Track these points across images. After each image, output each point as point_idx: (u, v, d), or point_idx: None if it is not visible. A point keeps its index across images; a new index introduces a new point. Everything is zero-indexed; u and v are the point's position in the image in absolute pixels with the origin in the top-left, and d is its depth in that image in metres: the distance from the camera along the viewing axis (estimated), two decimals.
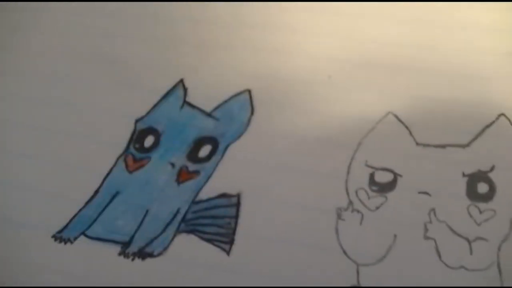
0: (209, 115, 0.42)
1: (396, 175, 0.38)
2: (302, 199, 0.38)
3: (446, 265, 0.35)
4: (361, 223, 0.37)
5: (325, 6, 0.44)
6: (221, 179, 0.40)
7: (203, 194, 0.40)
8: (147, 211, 0.39)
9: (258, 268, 0.37)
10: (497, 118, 0.39)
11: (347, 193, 0.38)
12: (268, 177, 0.39)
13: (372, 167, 0.38)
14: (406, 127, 0.39)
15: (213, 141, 0.41)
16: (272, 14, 0.45)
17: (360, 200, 0.38)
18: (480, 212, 0.36)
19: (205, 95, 0.43)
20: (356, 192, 0.38)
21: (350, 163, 0.39)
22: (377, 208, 0.37)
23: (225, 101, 0.43)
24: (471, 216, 0.36)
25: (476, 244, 0.36)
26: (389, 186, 0.38)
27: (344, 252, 0.37)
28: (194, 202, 0.39)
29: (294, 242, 0.37)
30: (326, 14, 0.44)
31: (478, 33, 0.42)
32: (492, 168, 0.37)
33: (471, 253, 0.35)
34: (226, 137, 0.41)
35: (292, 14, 0.45)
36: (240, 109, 0.42)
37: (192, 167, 0.40)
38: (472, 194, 0.37)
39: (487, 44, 0.42)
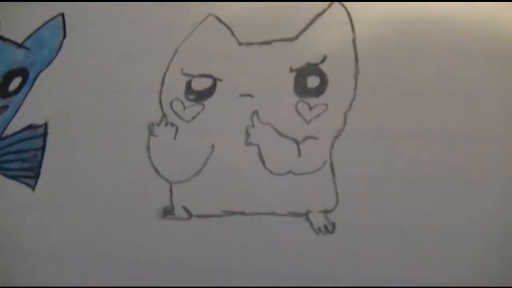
0: (20, 45, 0.37)
1: (215, 80, 0.33)
2: (113, 119, 0.33)
3: (271, 171, 0.30)
4: (175, 137, 0.31)
5: None
6: (29, 110, 0.35)
7: (10, 129, 0.35)
8: None
9: (67, 200, 0.32)
10: (329, 5, 0.34)
11: (161, 106, 0.33)
12: (76, 101, 0.34)
13: (188, 75, 0.33)
14: (228, 28, 0.34)
15: (23, 72, 0.36)
16: None
17: (174, 111, 0.33)
18: (310, 108, 0.31)
19: (18, 25, 0.38)
20: (171, 104, 0.33)
21: (165, 73, 0.33)
22: (193, 118, 0.32)
23: (37, 29, 0.38)
24: (299, 113, 0.31)
25: (305, 144, 0.31)
26: (207, 93, 0.33)
27: (156, 171, 0.31)
28: (0, 138, 0.33)
29: (104, 168, 0.32)
30: None
31: None
32: (323, 59, 0.32)
33: (299, 155, 0.30)
34: (36, 65, 0.37)
35: None
36: (51, 34, 0.38)
37: (1, 102, 0.34)
38: (300, 89, 0.32)
39: None
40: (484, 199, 0.28)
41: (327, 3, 0.35)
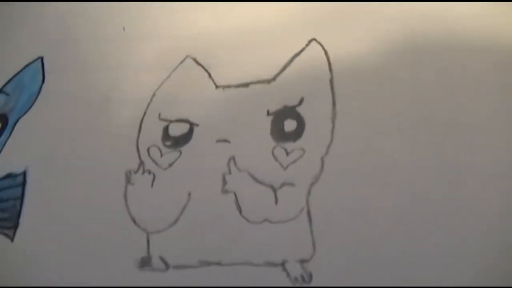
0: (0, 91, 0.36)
1: (192, 125, 0.33)
2: (91, 166, 0.33)
3: (247, 220, 0.30)
4: (152, 185, 0.31)
5: None
6: (8, 158, 0.35)
7: None
8: None
9: (43, 250, 0.33)
10: (307, 44, 0.33)
11: (138, 153, 0.33)
12: (55, 149, 0.34)
13: (166, 120, 0.33)
14: (206, 70, 0.34)
15: (3, 119, 0.36)
16: None
17: (152, 158, 0.33)
18: (287, 153, 0.31)
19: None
20: (148, 150, 0.32)
21: (142, 119, 0.33)
22: (170, 165, 0.32)
23: (17, 73, 0.37)
24: (276, 159, 0.31)
25: (282, 191, 0.31)
26: (184, 138, 0.33)
27: (133, 220, 0.31)
28: None
29: (82, 218, 0.32)
30: None
31: None
32: (300, 102, 0.32)
33: (276, 202, 0.30)
34: (15, 111, 0.36)
35: None
36: (31, 79, 0.37)
37: None
38: (277, 133, 0.32)
39: None
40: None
41: (305, 42, 0.33)
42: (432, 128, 0.30)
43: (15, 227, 0.33)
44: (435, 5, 0.32)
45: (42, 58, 0.38)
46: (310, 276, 0.29)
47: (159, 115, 0.33)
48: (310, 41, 0.34)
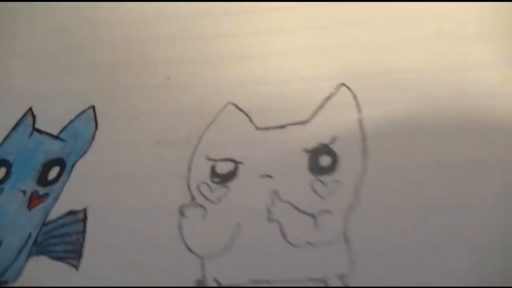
0: (56, 137, 0.41)
1: (237, 163, 0.37)
2: (146, 203, 0.37)
3: (291, 244, 0.34)
4: (204, 217, 0.35)
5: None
6: (69, 197, 0.39)
7: (53, 215, 0.39)
8: (0, 242, 0.37)
9: (107, 277, 0.36)
10: (336, 89, 0.38)
11: (189, 190, 0.37)
12: (112, 188, 0.38)
13: (213, 160, 0.37)
14: (246, 115, 0.38)
15: (61, 162, 0.40)
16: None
17: (202, 194, 0.36)
18: (324, 185, 0.35)
19: (53, 119, 0.41)
20: (198, 187, 0.37)
21: (191, 159, 0.37)
22: (220, 199, 0.36)
23: (71, 121, 0.41)
24: (314, 191, 0.35)
25: (321, 218, 0.34)
26: (231, 175, 0.37)
27: (188, 249, 0.35)
28: (44, 224, 0.38)
29: (140, 247, 0.36)
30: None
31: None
32: (333, 140, 0.36)
33: (316, 228, 0.34)
34: (72, 155, 0.41)
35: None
36: (84, 126, 0.41)
37: (42, 191, 0.39)
38: (314, 168, 0.36)
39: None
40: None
41: (334, 86, 0.38)
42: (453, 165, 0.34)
43: (79, 257, 0.36)
44: None
45: (94, 107, 0.42)
46: None
47: (207, 155, 0.37)
48: (339, 86, 0.38)
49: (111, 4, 0.45)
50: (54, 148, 0.41)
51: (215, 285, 0.34)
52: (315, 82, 0.39)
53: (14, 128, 0.43)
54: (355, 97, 0.37)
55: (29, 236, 0.38)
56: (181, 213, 0.36)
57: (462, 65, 0.38)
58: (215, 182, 0.36)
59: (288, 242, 0.34)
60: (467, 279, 0.32)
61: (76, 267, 0.37)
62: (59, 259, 0.37)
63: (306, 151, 0.36)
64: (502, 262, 0.31)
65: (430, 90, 0.37)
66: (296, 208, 0.35)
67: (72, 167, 0.40)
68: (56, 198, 0.39)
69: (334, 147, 0.36)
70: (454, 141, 0.35)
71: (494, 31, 0.37)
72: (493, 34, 0.37)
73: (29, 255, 0.38)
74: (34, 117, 0.43)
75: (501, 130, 0.35)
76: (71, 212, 0.39)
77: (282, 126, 0.38)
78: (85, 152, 0.41)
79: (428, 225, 0.33)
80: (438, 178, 0.34)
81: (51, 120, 0.42)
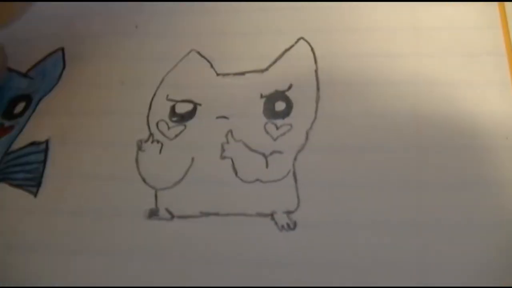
0: (25, 75, 0.42)
1: (196, 105, 0.38)
2: (105, 137, 0.39)
3: (242, 180, 0.35)
4: (160, 152, 0.37)
5: None
6: (32, 130, 0.40)
7: (15, 145, 0.40)
8: None
9: (64, 204, 0.37)
10: (296, 42, 0.39)
11: (148, 126, 0.38)
12: (74, 122, 0.39)
13: (173, 100, 0.39)
14: (208, 61, 0.40)
15: (27, 98, 0.42)
16: None
17: (160, 131, 0.38)
18: (277, 128, 0.37)
19: (23, 59, 0.42)
20: (157, 124, 0.38)
21: (152, 99, 0.39)
22: (176, 136, 0.38)
23: (40, 61, 0.43)
24: (267, 132, 0.37)
25: (271, 157, 0.36)
26: (189, 115, 0.38)
27: (143, 180, 0.36)
28: (6, 153, 0.40)
29: (99, 177, 0.37)
30: None
31: None
32: (289, 87, 0.38)
33: (267, 166, 0.35)
34: (39, 92, 0.42)
35: None
36: (53, 66, 0.43)
37: (7, 123, 0.40)
38: (269, 112, 0.38)
39: None
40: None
41: (294, 39, 0.40)
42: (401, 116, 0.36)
43: (38, 185, 0.38)
44: None
45: (63, 49, 0.43)
46: (295, 224, 0.34)
47: (167, 96, 0.39)
48: (298, 39, 0.40)
49: None
50: (21, 85, 0.43)
51: (167, 214, 0.35)
52: (276, 35, 0.40)
53: None
54: (312, 49, 0.39)
55: None
56: (139, 147, 0.37)
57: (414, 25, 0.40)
58: (173, 121, 0.38)
59: (239, 178, 0.36)
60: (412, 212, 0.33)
61: (34, 194, 0.37)
62: (18, 186, 0.38)
63: (262, 96, 0.38)
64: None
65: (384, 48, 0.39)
66: (248, 147, 0.36)
67: (38, 103, 0.42)
68: (21, 130, 0.40)
69: (289, 94, 0.38)
70: (397, 93, 0.37)
71: None
72: None
73: None
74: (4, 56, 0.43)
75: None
76: (33, 143, 0.40)
77: (242, 73, 0.39)
78: (51, 89, 0.42)
79: (367, 165, 0.35)
80: (380, 124, 0.36)
81: (21, 59, 0.43)
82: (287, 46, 0.40)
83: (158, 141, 0.37)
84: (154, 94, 0.39)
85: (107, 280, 0.34)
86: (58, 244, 0.35)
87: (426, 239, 0.32)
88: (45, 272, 0.35)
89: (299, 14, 0.42)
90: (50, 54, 0.44)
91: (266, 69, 0.39)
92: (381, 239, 0.33)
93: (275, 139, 0.36)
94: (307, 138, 0.36)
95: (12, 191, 0.38)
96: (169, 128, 0.38)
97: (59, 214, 0.37)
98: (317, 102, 0.37)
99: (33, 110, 0.41)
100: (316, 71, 0.39)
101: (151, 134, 0.38)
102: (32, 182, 0.38)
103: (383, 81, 0.38)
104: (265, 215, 0.34)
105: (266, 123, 0.37)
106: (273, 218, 0.34)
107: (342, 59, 0.39)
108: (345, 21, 0.41)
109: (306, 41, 0.40)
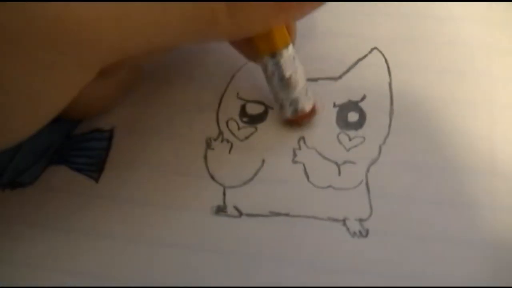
0: None
1: (267, 107, 0.38)
2: (174, 129, 0.39)
3: (314, 185, 0.35)
4: (230, 151, 0.36)
5: None
6: (97, 117, 0.40)
7: (78, 130, 0.40)
8: (20, 146, 0.39)
9: (127, 193, 0.37)
10: (370, 52, 0.39)
11: (218, 124, 0.37)
12: (140, 112, 0.38)
13: (243, 99, 0.38)
14: None
15: None
16: None
17: (230, 130, 0.38)
18: (350, 139, 0.36)
19: None
20: (227, 123, 0.37)
21: (222, 95, 0.38)
22: (247, 138, 0.37)
23: None
24: (340, 142, 0.36)
25: (344, 167, 0.36)
26: (260, 118, 0.38)
27: (212, 177, 0.36)
28: (68, 137, 0.39)
29: (165, 170, 0.37)
30: None
31: None
32: (363, 98, 0.37)
33: (339, 174, 0.35)
34: None
35: None
36: None
37: None
38: (342, 122, 0.37)
39: None
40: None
41: (368, 49, 0.40)
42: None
43: (100, 171, 0.37)
44: None
45: None
46: (367, 231, 0.34)
47: (238, 94, 0.39)
48: (372, 49, 0.40)
49: None
50: None
51: (235, 212, 0.34)
52: (350, 42, 0.41)
53: None
54: (386, 60, 0.39)
55: (51, 145, 0.39)
56: (208, 145, 0.37)
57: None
58: (243, 121, 0.38)
59: (311, 183, 0.35)
60: (483, 231, 0.33)
61: (96, 179, 0.37)
62: (79, 170, 0.38)
63: (335, 105, 0.38)
64: None
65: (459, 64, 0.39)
66: (321, 155, 0.36)
67: None
68: None
69: (363, 105, 0.38)
70: (473, 114, 0.37)
71: None
72: None
73: (50, 163, 0.39)
74: None
75: None
76: (97, 130, 0.39)
77: (314, 79, 0.39)
78: None
79: (441, 184, 0.35)
80: (455, 142, 0.36)
81: None
82: (361, 55, 0.40)
83: (228, 141, 0.37)
84: (225, 90, 0.39)
85: (166, 273, 0.34)
86: (117, 233, 0.35)
87: (501, 257, 0.32)
88: (104, 259, 0.35)
89: (371, 18, 0.42)
90: None
91: (340, 77, 0.39)
92: (453, 253, 0.33)
93: (347, 150, 0.36)
94: (380, 152, 0.36)
95: (71, 175, 0.38)
96: (239, 128, 0.38)
97: (121, 201, 0.36)
98: (390, 116, 0.37)
99: None
100: (390, 83, 0.38)
101: (220, 132, 0.37)
102: (94, 168, 0.38)
103: (459, 99, 0.38)
104: (337, 220, 0.34)
105: (339, 133, 0.37)
106: (345, 224, 0.34)
107: (417, 73, 0.39)
108: (424, 33, 0.41)
109: (380, 51, 0.40)
